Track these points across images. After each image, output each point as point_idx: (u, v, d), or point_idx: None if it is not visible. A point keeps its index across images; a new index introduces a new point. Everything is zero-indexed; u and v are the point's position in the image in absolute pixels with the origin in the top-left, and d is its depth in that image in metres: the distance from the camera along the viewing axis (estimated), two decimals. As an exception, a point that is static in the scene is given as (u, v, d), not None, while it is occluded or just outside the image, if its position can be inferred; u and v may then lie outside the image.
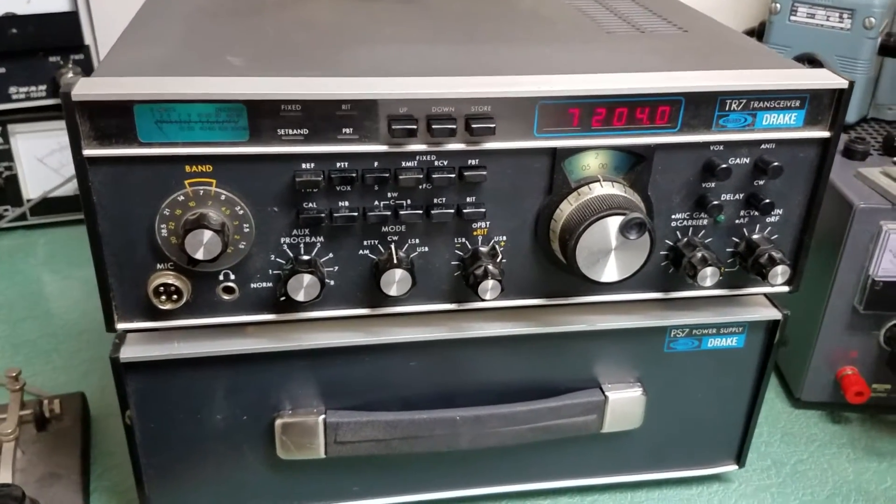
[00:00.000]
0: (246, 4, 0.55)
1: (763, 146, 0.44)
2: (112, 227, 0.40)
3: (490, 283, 0.42)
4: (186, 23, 0.49)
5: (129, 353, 0.43)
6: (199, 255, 0.39)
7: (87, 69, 0.81)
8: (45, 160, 0.83)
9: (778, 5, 0.71)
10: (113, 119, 0.37)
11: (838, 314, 0.58)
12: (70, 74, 0.79)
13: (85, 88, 0.36)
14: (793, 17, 0.72)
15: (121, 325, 0.42)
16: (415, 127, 0.39)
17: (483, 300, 0.42)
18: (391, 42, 0.48)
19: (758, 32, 0.77)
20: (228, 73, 0.40)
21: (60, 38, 0.78)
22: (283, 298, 0.42)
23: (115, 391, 0.44)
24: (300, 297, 0.41)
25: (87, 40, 0.80)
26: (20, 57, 0.78)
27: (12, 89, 0.79)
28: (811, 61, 0.68)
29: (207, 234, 0.39)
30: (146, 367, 0.44)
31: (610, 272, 0.42)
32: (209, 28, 0.49)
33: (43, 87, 0.80)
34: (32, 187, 0.84)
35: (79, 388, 0.63)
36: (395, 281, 0.42)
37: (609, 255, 0.42)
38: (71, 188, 0.85)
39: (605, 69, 0.43)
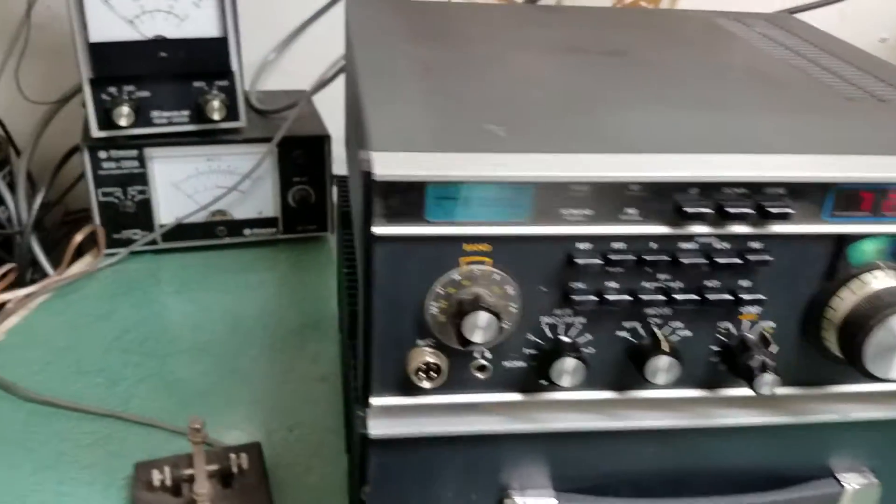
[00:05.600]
0: (448, 55, 0.53)
1: None
2: (382, 304, 0.38)
3: (769, 377, 0.39)
4: (415, 81, 0.47)
5: (377, 429, 0.41)
6: (477, 339, 0.37)
7: (230, 96, 0.79)
8: (180, 185, 0.82)
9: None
10: (405, 197, 0.35)
11: None
12: (216, 102, 0.77)
13: (385, 168, 0.34)
14: None
15: (374, 401, 0.40)
16: (707, 210, 0.37)
17: (758, 393, 0.40)
18: (642, 107, 0.45)
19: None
20: (505, 147, 0.38)
21: (209, 63, 0.77)
22: (543, 382, 0.40)
23: (356, 464, 0.42)
24: (564, 382, 0.39)
25: (234, 66, 0.78)
26: (165, 81, 0.77)
27: (155, 114, 0.78)
28: None
29: (485, 317, 0.37)
30: (389, 443, 0.41)
31: None
32: (440, 86, 0.46)
33: (186, 113, 0.79)
34: (165, 212, 0.83)
35: (242, 434, 0.61)
36: (663, 368, 0.40)
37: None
38: (202, 216, 0.83)
39: (885, 149, 0.41)
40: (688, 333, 0.41)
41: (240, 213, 0.85)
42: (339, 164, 0.85)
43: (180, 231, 0.83)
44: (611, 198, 0.37)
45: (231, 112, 0.79)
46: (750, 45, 0.60)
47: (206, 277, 0.82)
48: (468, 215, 0.36)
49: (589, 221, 0.37)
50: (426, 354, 0.39)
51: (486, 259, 0.37)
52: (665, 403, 0.44)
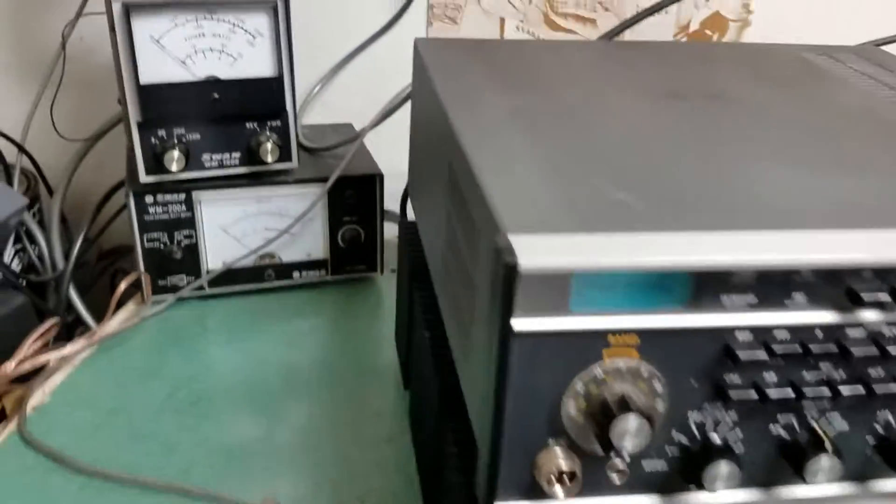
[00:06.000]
0: (542, 103, 0.49)
1: None
2: (515, 402, 0.33)
3: (943, 476, 0.35)
4: (520, 138, 0.43)
5: (500, 540, 0.36)
6: (626, 445, 0.32)
7: (283, 136, 0.75)
8: (228, 229, 0.78)
9: None
10: (550, 288, 0.31)
11: None
12: (269, 144, 0.73)
13: (530, 258, 0.30)
14: None
15: (497, 509, 0.36)
16: (885, 297, 0.33)
17: (929, 495, 0.36)
18: (778, 167, 0.41)
19: None
20: (652, 224, 0.34)
21: (263, 104, 0.72)
22: (691, 486, 0.36)
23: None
24: (718, 488, 0.35)
25: (288, 106, 0.74)
26: (217, 123, 0.73)
27: (205, 157, 0.74)
28: None
29: (637, 422, 0.32)
30: (510, 552, 0.37)
31: None
32: (547, 143, 0.42)
33: (237, 155, 0.75)
34: (212, 257, 0.78)
35: (313, 507, 0.56)
36: (825, 468, 0.35)
37: None
38: (251, 260, 0.79)
39: None
40: (845, 426, 0.37)
41: (288, 256, 0.81)
42: (387, 199, 0.81)
43: (228, 276, 0.79)
44: (777, 282, 0.33)
45: (284, 153, 0.75)
46: (853, 84, 0.56)
47: (254, 324, 0.77)
48: (615, 303, 0.32)
49: (750, 308, 0.33)
50: (559, 458, 0.34)
51: (632, 352, 0.33)
52: (813, 500, 0.39)
